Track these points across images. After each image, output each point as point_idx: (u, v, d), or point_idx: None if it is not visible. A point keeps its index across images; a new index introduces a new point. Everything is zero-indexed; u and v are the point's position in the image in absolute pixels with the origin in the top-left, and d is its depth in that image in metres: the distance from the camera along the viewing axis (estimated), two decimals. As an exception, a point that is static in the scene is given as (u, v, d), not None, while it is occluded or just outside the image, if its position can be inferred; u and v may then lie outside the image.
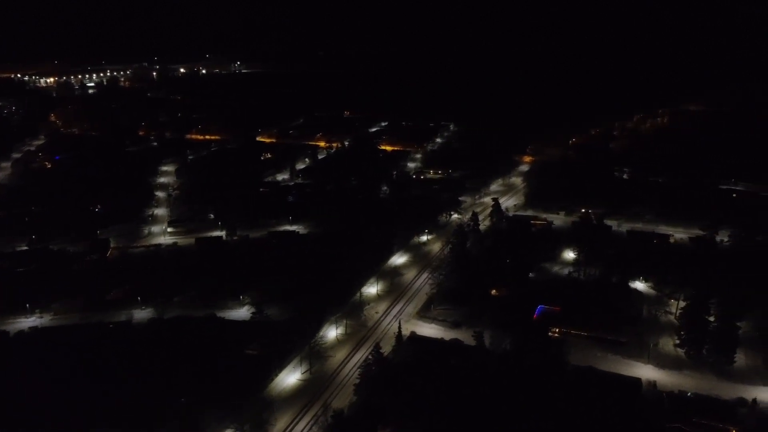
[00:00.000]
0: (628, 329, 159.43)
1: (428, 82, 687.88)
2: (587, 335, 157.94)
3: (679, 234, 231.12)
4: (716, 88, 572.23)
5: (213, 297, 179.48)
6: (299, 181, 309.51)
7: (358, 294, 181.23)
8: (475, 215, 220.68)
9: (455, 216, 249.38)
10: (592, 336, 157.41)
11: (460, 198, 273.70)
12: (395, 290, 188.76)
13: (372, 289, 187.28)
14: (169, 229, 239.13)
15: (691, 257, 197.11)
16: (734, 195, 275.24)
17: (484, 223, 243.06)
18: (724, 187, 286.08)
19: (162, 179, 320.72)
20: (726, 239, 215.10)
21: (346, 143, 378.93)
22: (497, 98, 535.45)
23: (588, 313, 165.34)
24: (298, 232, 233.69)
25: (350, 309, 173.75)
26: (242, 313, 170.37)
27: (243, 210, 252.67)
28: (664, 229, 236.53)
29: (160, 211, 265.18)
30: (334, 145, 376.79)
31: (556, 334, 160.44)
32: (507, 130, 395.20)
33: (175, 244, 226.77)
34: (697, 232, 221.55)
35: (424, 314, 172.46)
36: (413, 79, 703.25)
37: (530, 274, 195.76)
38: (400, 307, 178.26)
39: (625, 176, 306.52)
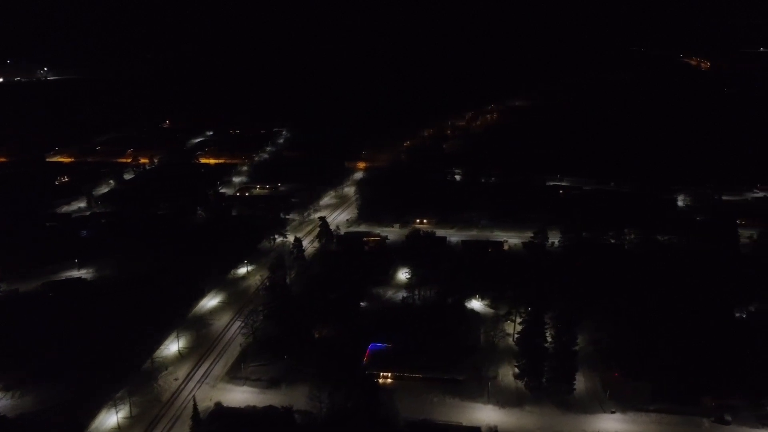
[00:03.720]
0: (466, 362, 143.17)
1: (262, 82, 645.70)
2: (422, 377, 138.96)
3: (513, 239, 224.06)
4: (541, 83, 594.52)
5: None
6: (98, 209, 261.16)
7: (150, 359, 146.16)
8: (298, 240, 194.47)
9: (280, 239, 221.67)
10: (428, 377, 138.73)
11: (287, 216, 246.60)
12: (203, 344, 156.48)
13: (172, 348, 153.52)
14: None
15: (524, 266, 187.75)
16: (561, 191, 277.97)
17: (314, 245, 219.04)
18: (551, 183, 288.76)
19: None
20: (557, 242, 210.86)
21: (156, 160, 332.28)
22: (332, 99, 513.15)
23: (423, 347, 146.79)
24: (84, 278, 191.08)
25: (140, 380, 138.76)
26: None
27: (17, 254, 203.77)
28: (498, 235, 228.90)
29: None
30: (143, 161, 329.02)
31: (389, 380, 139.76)
32: (341, 134, 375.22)
33: None
34: (529, 235, 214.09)
35: (234, 374, 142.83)
36: (245, 81, 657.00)
37: (362, 304, 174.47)
38: (206, 367, 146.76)
39: (457, 177, 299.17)
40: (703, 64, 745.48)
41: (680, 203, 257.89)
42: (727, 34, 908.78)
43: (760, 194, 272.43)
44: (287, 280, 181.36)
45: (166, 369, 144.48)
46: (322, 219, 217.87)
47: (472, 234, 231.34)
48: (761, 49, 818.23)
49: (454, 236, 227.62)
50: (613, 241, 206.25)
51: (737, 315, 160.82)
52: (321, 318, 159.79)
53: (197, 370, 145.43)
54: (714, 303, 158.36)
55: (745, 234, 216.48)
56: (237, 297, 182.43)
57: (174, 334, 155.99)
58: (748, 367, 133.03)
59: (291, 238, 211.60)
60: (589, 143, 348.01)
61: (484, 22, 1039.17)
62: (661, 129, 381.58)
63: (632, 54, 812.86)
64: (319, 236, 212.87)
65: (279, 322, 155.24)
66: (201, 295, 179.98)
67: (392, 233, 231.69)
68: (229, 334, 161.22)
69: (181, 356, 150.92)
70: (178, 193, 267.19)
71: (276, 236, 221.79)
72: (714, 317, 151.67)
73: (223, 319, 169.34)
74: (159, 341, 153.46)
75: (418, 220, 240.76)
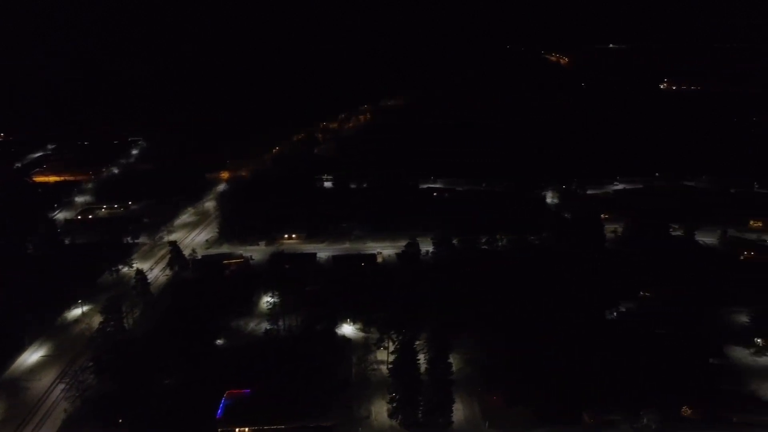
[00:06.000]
0: (337, 402, 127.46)
1: (113, 87, 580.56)
2: (285, 428, 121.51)
3: (387, 250, 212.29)
4: (416, 83, 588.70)
5: None
6: None
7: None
8: (140, 273, 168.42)
9: (126, 269, 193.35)
10: (292, 428, 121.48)
11: (136, 241, 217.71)
12: (15, 416, 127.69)
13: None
14: None
15: (396, 282, 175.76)
16: (435, 194, 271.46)
17: (166, 273, 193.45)
18: (425, 186, 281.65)
19: None
20: (430, 250, 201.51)
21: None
22: (193, 104, 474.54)
23: (288, 389, 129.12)
24: None
25: None
26: None
27: None
28: (372, 247, 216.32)
29: None
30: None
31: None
32: (203, 143, 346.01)
33: None
34: (402, 245, 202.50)
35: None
36: (95, 85, 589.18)
37: (218, 342, 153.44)
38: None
39: (327, 184, 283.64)
40: (561, 60, 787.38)
41: (548, 200, 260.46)
42: (581, 30, 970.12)
43: (620, 186, 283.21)
44: (131, 321, 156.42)
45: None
46: (173, 244, 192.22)
47: (344, 247, 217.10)
48: (611, 45, 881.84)
49: (324, 251, 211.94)
50: (485, 247, 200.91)
51: (609, 317, 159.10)
52: (167, 365, 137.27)
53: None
54: (584, 307, 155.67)
55: (610, 228, 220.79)
56: (67, 347, 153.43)
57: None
58: (622, 375, 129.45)
59: (135, 269, 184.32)
60: (461, 142, 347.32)
61: (353, 22, 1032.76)
62: (529, 125, 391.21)
63: (502, 51, 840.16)
64: (170, 263, 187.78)
65: (113, 377, 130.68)
66: (19, 349, 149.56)
67: (258, 252, 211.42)
68: (53, 398, 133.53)
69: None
70: (1, 220, 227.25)
71: (120, 266, 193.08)
72: (585, 323, 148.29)
73: (46, 379, 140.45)
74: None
75: (286, 236, 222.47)
